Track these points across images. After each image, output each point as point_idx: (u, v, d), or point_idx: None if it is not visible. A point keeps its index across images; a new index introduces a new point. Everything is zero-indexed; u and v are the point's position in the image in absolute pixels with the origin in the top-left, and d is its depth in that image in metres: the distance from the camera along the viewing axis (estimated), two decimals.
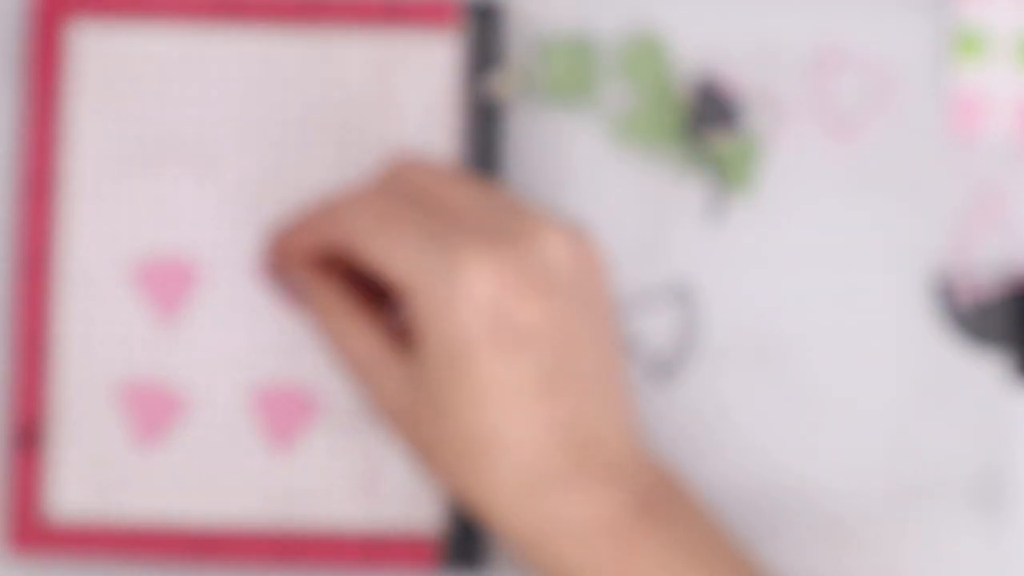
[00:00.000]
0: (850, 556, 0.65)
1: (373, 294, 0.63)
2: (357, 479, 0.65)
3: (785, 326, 0.66)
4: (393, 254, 0.58)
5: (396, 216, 0.59)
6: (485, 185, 0.61)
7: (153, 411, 0.65)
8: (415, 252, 0.58)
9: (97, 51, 0.66)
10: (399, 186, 0.61)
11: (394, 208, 0.59)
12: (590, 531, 0.57)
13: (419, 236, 0.58)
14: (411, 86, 0.66)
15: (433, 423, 0.58)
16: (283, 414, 0.65)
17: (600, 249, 0.60)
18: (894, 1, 0.67)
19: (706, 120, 0.67)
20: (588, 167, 0.67)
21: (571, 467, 0.57)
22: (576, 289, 0.58)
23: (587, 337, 0.58)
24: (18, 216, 0.65)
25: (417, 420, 0.59)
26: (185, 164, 0.66)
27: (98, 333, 0.65)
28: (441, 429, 0.58)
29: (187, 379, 0.65)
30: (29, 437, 0.65)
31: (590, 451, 0.57)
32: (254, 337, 0.65)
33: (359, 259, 0.60)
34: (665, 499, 0.58)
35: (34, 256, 0.65)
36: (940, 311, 0.66)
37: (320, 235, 0.61)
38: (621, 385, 0.59)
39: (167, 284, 0.66)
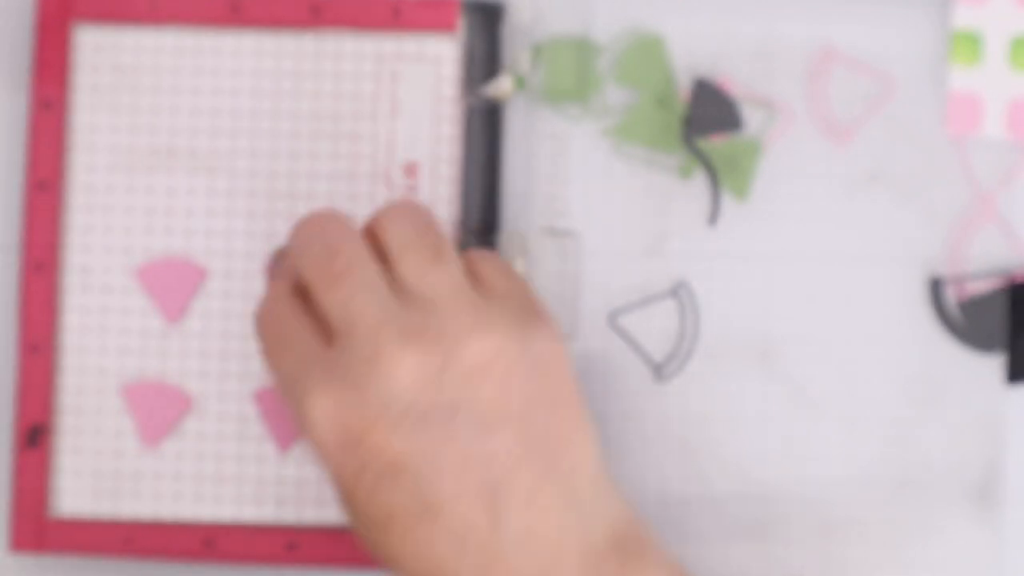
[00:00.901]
0: (848, 555, 0.66)
1: None
2: None
3: (783, 326, 0.66)
4: (278, 383, 0.59)
5: (281, 341, 0.58)
6: (360, 275, 0.58)
7: (159, 412, 0.65)
8: (286, 392, 0.58)
9: (104, 54, 0.66)
10: (301, 270, 0.59)
11: (283, 327, 0.59)
12: None
13: (287, 375, 0.58)
14: (412, 88, 0.66)
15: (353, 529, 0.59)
16: (286, 413, 0.66)
17: (505, 318, 0.57)
18: (891, 3, 0.67)
19: (706, 120, 0.67)
20: (588, 168, 0.67)
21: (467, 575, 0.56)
22: (454, 401, 0.56)
23: (471, 448, 0.56)
24: (25, 217, 0.66)
25: None
26: (191, 166, 0.66)
27: (104, 334, 0.66)
28: (358, 537, 0.58)
29: (192, 380, 0.66)
30: (35, 437, 0.65)
31: (489, 557, 0.56)
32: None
33: None
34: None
35: (41, 257, 0.66)
36: (936, 311, 0.66)
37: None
38: (528, 483, 0.56)
39: (173, 285, 0.66)
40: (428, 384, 0.56)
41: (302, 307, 0.59)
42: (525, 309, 0.58)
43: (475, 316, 0.57)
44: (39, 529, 0.65)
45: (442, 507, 0.56)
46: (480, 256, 0.61)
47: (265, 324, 0.60)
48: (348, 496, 0.57)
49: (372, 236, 0.60)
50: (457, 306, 0.57)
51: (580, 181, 0.67)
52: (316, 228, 0.59)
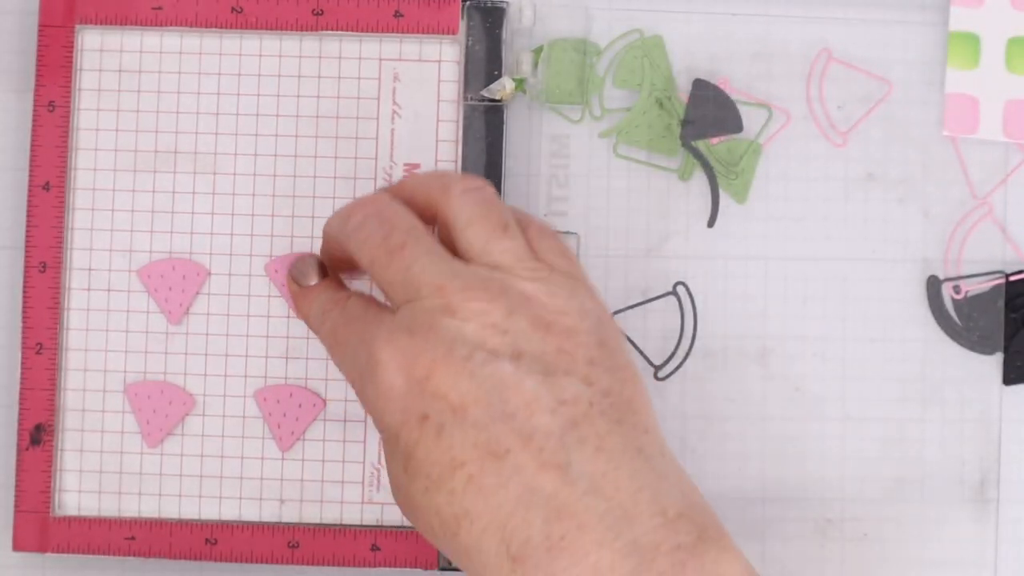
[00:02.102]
0: (847, 554, 0.66)
1: None
2: (360, 478, 0.66)
3: (782, 326, 0.66)
4: (340, 366, 0.59)
5: (345, 329, 0.58)
6: (419, 244, 0.58)
7: (161, 411, 0.66)
8: (352, 366, 0.57)
9: (107, 56, 0.66)
10: (357, 254, 0.59)
11: (346, 319, 0.59)
12: None
13: (354, 349, 0.57)
14: (414, 90, 0.66)
15: (406, 504, 0.57)
16: (288, 413, 0.66)
17: (565, 290, 0.57)
18: (889, 5, 0.67)
19: (705, 122, 0.67)
20: (588, 168, 0.67)
21: (544, 532, 0.53)
22: (518, 346, 0.55)
23: (539, 391, 0.54)
24: (29, 218, 0.66)
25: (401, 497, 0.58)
26: (193, 168, 0.66)
27: (107, 334, 0.66)
28: (412, 510, 0.56)
29: (195, 380, 0.66)
30: (38, 436, 0.65)
31: (560, 503, 0.53)
32: (259, 337, 0.66)
33: None
34: (675, 551, 0.53)
35: (45, 258, 0.66)
36: (934, 311, 0.66)
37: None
38: (600, 429, 0.54)
39: (176, 285, 0.66)
40: (493, 329, 0.55)
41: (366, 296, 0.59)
42: (581, 288, 0.58)
43: (537, 283, 0.56)
44: (42, 528, 0.65)
45: (509, 450, 0.54)
46: (540, 232, 0.59)
47: (329, 317, 0.60)
48: (410, 451, 0.55)
49: (428, 208, 0.59)
50: (522, 271, 0.57)
51: (580, 181, 0.67)
52: (369, 209, 0.59)
